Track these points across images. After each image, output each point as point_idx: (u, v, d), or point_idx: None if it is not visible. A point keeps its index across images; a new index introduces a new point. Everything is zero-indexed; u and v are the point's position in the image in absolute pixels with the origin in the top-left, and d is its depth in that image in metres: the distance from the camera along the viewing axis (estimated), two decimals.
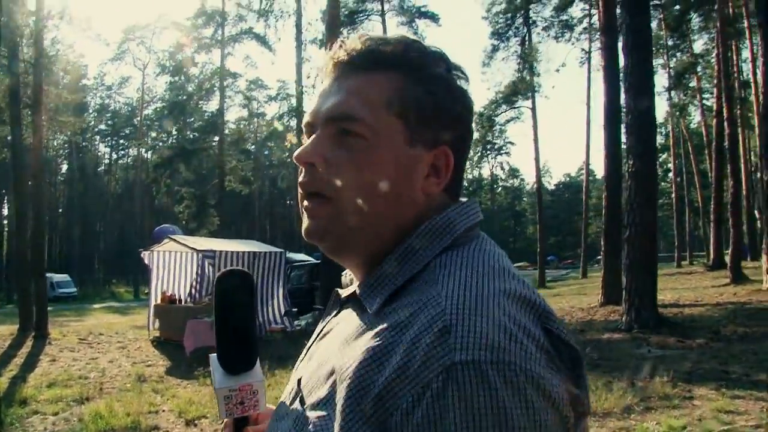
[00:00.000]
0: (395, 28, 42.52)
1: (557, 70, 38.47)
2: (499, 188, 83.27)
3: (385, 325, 0.65)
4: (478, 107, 39.07)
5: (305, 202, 0.77)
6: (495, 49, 35.72)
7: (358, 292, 0.75)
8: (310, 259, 18.77)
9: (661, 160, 46.06)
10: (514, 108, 37.74)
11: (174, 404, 7.17)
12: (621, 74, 13.31)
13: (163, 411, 7.00)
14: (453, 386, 0.56)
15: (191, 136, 44.37)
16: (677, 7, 28.31)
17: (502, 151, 73.49)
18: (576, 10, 35.42)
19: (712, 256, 27.23)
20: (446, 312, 0.61)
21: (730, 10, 25.05)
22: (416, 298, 0.66)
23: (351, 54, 0.77)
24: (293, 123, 47.98)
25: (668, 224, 50.93)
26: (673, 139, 41.34)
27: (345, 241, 0.75)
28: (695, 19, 29.23)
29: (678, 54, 33.86)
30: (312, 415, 0.67)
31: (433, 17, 40.07)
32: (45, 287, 16.71)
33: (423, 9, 39.92)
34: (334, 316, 0.82)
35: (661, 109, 43.80)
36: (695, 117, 41.58)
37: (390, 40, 0.78)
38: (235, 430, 0.88)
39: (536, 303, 0.65)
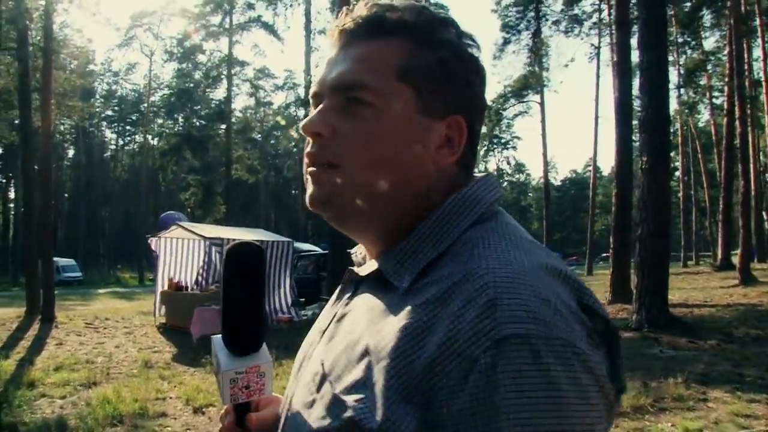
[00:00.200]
0: None
1: (566, 65, 38.30)
2: (505, 183, 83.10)
3: (420, 300, 0.63)
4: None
5: (311, 169, 0.75)
6: (506, 41, 35.58)
7: (382, 268, 0.72)
8: (316, 249, 18.78)
9: None
10: (523, 102, 37.61)
11: (181, 391, 7.15)
12: (634, 70, 13.24)
13: (170, 398, 6.98)
14: (503, 361, 0.54)
15: (198, 123, 44.32)
16: (689, 3, 28.10)
17: (508, 146, 73.29)
18: (586, 5, 35.27)
19: (719, 256, 27.11)
20: (490, 285, 0.59)
21: (743, 8, 24.82)
22: (451, 272, 0.64)
23: (357, 21, 0.75)
24: (300, 113, 47.85)
25: (674, 223, 50.77)
26: (682, 138, 41.10)
27: (352, 211, 0.73)
28: (707, 16, 29.00)
29: (688, 51, 33.70)
30: (348, 398, 0.63)
31: (442, 8, 39.89)
32: (52, 271, 16.71)
33: (432, 1, 39.78)
34: (350, 295, 0.79)
35: (670, 106, 43.48)
36: (704, 115, 41.40)
37: (397, 6, 0.75)
38: (236, 417, 0.82)
39: (571, 276, 0.64)
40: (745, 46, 27.12)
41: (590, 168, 47.48)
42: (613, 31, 31.52)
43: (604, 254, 66.15)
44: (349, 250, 0.95)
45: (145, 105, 53.80)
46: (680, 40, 32.78)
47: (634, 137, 16.04)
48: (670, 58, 31.27)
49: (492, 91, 40.96)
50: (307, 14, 33.14)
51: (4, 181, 60.18)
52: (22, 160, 17.66)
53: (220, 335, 0.82)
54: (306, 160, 0.76)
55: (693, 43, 31.39)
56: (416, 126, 0.72)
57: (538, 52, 33.58)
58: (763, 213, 30.61)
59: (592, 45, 36.90)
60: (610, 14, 32.29)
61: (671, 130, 43.52)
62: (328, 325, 0.79)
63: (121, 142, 70.59)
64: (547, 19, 35.09)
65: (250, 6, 39.42)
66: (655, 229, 10.38)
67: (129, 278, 49.66)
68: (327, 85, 0.75)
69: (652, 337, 9.56)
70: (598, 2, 34.27)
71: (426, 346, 0.59)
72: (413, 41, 0.73)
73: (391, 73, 0.72)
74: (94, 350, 10.32)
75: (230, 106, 39.10)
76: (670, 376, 6.65)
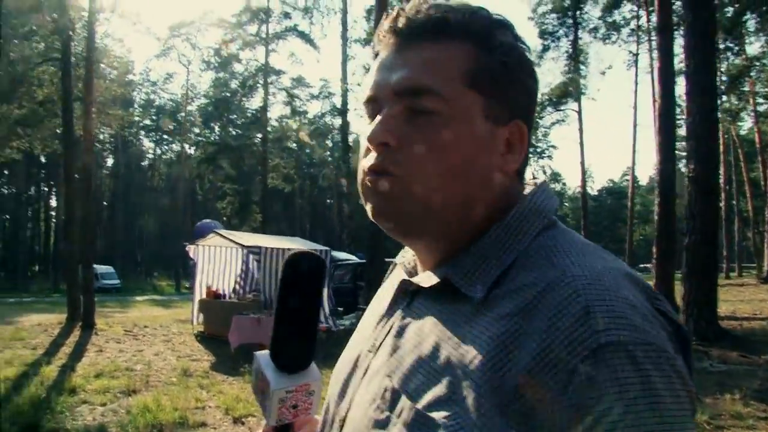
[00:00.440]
0: None
1: (603, 73, 37.66)
2: None
3: (503, 310, 0.62)
4: None
5: (372, 180, 0.71)
6: (545, 48, 35.20)
7: (450, 278, 0.69)
8: (353, 258, 18.67)
9: None
10: (560, 110, 37.15)
11: (220, 400, 7.10)
12: (677, 75, 12.90)
13: (210, 407, 6.94)
14: (604, 369, 0.54)
15: (234, 132, 44.76)
16: (731, 8, 27.47)
17: (544, 155, 72.57)
18: (624, 11, 34.75)
19: (765, 267, 26.34)
20: (580, 293, 0.58)
21: None
22: (532, 281, 0.63)
23: (415, 22, 0.71)
24: (336, 122, 48.01)
25: None
26: (724, 146, 40.14)
27: (420, 222, 0.70)
28: (751, 21, 28.30)
29: (731, 56, 32.92)
30: (437, 415, 0.61)
31: None
32: (92, 278, 16.93)
33: None
34: (405, 307, 0.76)
35: None
36: (747, 122, 40.41)
37: (456, 7, 0.72)
38: None
39: (642, 281, 0.64)
40: None
41: (628, 177, 46.66)
42: (653, 38, 31.21)
43: (642, 264, 65.16)
44: (389, 259, 0.85)
45: (182, 114, 54.56)
46: (722, 45, 32.06)
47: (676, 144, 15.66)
48: None
49: None
50: (344, 23, 33.26)
51: (46, 189, 61.61)
52: (64, 168, 17.97)
53: (264, 351, 0.79)
54: (364, 170, 0.72)
55: (736, 48, 30.59)
56: (484, 133, 0.70)
57: (577, 59, 33.15)
58: None
59: (630, 52, 36.40)
60: (649, 20, 31.84)
61: None
62: (384, 338, 0.75)
63: (158, 152, 71.69)
64: (584, 27, 34.66)
65: (287, 15, 39.75)
66: (703, 238, 10.08)
67: (166, 286, 50.34)
68: (389, 90, 0.71)
69: (702, 350, 9.24)
70: (636, 8, 33.76)
71: (518, 358, 0.58)
72: (477, 45, 0.71)
73: (457, 78, 0.69)
74: (134, 357, 10.37)
75: (266, 114, 39.37)
76: (725, 392, 6.39)
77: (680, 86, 15.49)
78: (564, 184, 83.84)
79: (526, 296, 0.61)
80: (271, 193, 42.02)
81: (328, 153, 57.41)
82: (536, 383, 0.56)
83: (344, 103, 32.12)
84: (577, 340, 0.56)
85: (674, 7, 15.48)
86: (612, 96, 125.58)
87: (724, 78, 30.99)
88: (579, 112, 33.66)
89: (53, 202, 61.33)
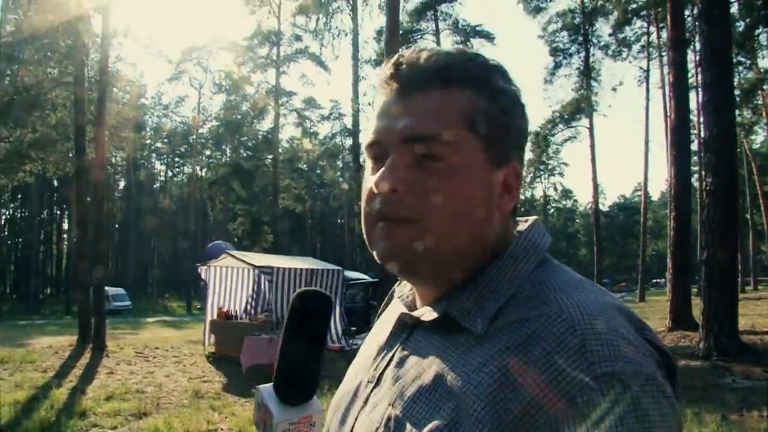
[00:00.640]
0: (450, 48, 42.08)
1: (614, 89, 37.60)
2: (552, 209, 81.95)
3: (503, 343, 0.65)
4: (534, 127, 38.58)
5: (381, 224, 0.73)
6: (557, 65, 35.19)
7: (451, 313, 0.72)
8: (365, 277, 18.53)
9: None
10: (571, 127, 37.03)
11: (233, 423, 6.96)
12: (691, 89, 12.78)
13: (222, 429, 6.82)
14: (601, 399, 0.58)
15: (245, 154, 44.89)
16: (742, 22, 27.37)
17: (555, 172, 72.42)
18: (634, 27, 34.71)
19: None
20: (576, 328, 0.62)
21: None
22: (529, 316, 0.66)
23: (417, 69, 0.74)
24: (347, 142, 48.13)
25: None
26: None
27: (428, 263, 0.72)
28: (763, 35, 28.20)
29: (743, 70, 32.77)
30: None
31: (488, 36, 39.92)
32: (103, 300, 16.88)
33: (478, 28, 39.83)
34: (405, 339, 0.78)
35: None
36: (759, 136, 40.15)
37: (456, 54, 0.75)
38: None
39: (632, 313, 0.68)
40: None
41: (639, 193, 46.36)
42: (663, 53, 31.13)
43: (654, 280, 64.66)
44: (394, 288, 0.91)
45: (194, 137, 54.87)
46: (734, 60, 31.87)
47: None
48: None
49: (540, 116, 40.49)
50: (355, 44, 33.36)
51: (58, 212, 61.99)
52: (76, 191, 18.00)
53: (267, 384, 0.82)
54: (371, 215, 0.74)
55: (749, 62, 30.44)
56: (486, 176, 0.73)
57: (589, 75, 33.08)
58: None
59: (641, 68, 36.32)
60: (659, 36, 31.79)
61: None
62: (384, 368, 0.77)
63: (170, 174, 72.09)
64: (595, 43, 34.63)
65: (298, 38, 40.03)
66: (722, 252, 9.88)
67: (177, 307, 50.33)
68: (395, 137, 0.73)
69: (723, 366, 9.02)
70: (646, 25, 33.73)
71: (518, 389, 0.61)
72: (475, 91, 0.73)
73: (459, 124, 0.71)
74: (145, 379, 10.25)
75: (277, 136, 39.51)
76: (752, 410, 6.18)
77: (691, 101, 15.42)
78: (575, 200, 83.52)
79: (525, 330, 0.64)
80: (282, 214, 42.07)
81: (339, 173, 57.48)
82: (536, 413, 0.59)
83: (355, 123, 32.11)
84: (575, 372, 0.59)
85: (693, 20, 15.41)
86: (621, 112, 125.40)
87: (737, 92, 30.82)
88: (591, 129, 33.46)
89: (65, 225, 61.71)
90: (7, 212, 60.14)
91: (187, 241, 54.95)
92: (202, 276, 13.91)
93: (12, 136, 20.04)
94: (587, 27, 33.51)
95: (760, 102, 33.19)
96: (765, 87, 31.24)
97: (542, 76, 36.34)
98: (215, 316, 13.68)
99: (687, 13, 18.03)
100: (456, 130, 0.71)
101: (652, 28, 32.97)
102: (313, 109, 59.43)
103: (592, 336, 0.61)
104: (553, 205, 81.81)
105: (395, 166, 0.72)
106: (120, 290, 43.95)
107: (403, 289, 0.88)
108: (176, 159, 68.14)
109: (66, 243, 61.37)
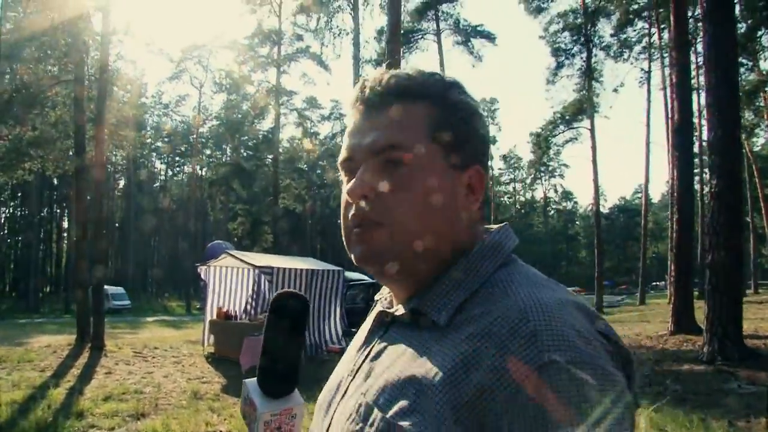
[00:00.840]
0: (451, 48, 42.04)
1: (615, 90, 37.38)
2: (552, 211, 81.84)
3: (464, 334, 0.70)
4: (534, 128, 38.45)
5: (356, 230, 0.80)
6: (559, 65, 35.03)
7: (419, 308, 0.78)
8: (365, 278, 18.41)
9: None
10: (572, 129, 36.87)
11: (232, 424, 6.88)
12: (693, 90, 12.70)
13: (221, 431, 6.71)
14: (547, 383, 0.62)
15: (245, 154, 44.78)
16: (744, 24, 27.29)
17: (555, 174, 72.38)
18: (636, 28, 34.58)
19: None
20: (530, 319, 0.67)
21: None
22: (489, 309, 0.71)
23: (380, 89, 0.81)
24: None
25: None
26: None
27: (399, 263, 0.78)
28: (765, 36, 28.10)
29: (745, 72, 32.67)
30: (403, 423, 0.68)
31: (489, 36, 39.81)
32: (102, 299, 16.78)
33: (479, 28, 39.71)
34: (381, 335, 0.84)
35: None
36: (760, 138, 40.04)
37: (413, 74, 0.82)
38: None
39: (587, 307, 0.72)
40: None
41: (639, 195, 46.27)
42: (665, 55, 31.03)
43: (654, 282, 64.54)
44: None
45: (194, 136, 54.77)
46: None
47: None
48: None
49: (541, 118, 40.27)
50: (356, 43, 33.24)
51: (58, 211, 61.90)
52: (76, 189, 17.92)
53: (253, 379, 0.88)
54: (348, 222, 0.81)
55: (750, 64, 30.33)
56: (448, 179, 0.79)
57: (591, 76, 32.95)
58: None
59: (642, 69, 36.20)
60: (660, 38, 31.69)
61: None
62: (362, 363, 0.83)
63: (170, 173, 71.99)
64: (597, 44, 34.47)
65: (299, 37, 39.89)
66: (727, 254, 9.76)
67: (176, 306, 50.25)
68: (363, 150, 0.80)
69: (727, 370, 8.90)
70: (648, 26, 33.63)
71: (474, 374, 0.66)
72: (435, 103, 0.80)
73: (420, 133, 0.79)
74: (143, 380, 10.17)
75: (278, 135, 39.38)
76: (759, 416, 6.09)
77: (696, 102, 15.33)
78: (576, 202, 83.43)
79: (484, 322, 0.70)
80: (282, 214, 41.98)
81: (339, 174, 57.36)
82: (489, 395, 0.64)
83: None
84: (525, 359, 0.64)
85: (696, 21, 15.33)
86: (622, 113, 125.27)
87: (738, 93, 30.73)
88: (592, 130, 33.31)
89: (65, 224, 61.59)
90: (7, 210, 60.14)
91: (187, 240, 54.87)
92: (202, 276, 13.83)
93: (11, 133, 19.93)
94: (589, 27, 33.34)
95: (762, 104, 33.11)
96: (767, 89, 31.14)
97: (544, 76, 36.17)
98: (215, 316, 13.60)
99: (689, 14, 17.94)
100: (417, 138, 0.78)
101: (654, 30, 32.89)
102: (313, 108, 59.45)
103: (544, 326, 0.65)
104: (554, 206, 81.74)
105: (362, 175, 0.79)
106: (119, 289, 43.87)
107: (383, 291, 0.93)
108: (176, 158, 68.09)
109: (65, 242, 61.33)
